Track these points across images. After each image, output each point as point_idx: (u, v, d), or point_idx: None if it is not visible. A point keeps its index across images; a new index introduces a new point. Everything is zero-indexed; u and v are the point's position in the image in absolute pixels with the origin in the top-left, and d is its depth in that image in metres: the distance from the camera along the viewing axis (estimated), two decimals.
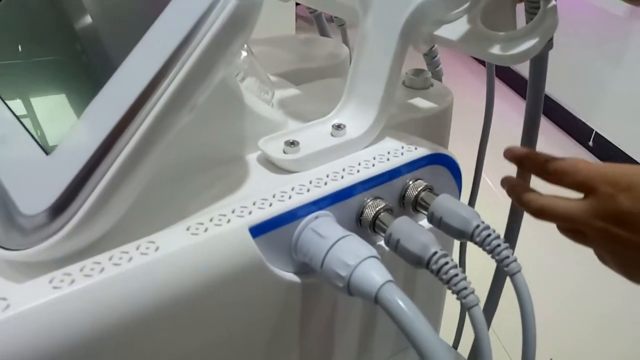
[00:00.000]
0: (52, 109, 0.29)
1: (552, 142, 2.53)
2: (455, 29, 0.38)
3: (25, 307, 0.22)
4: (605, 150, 2.39)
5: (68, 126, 0.26)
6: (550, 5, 0.35)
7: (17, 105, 0.30)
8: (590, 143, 2.48)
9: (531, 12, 0.36)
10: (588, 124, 2.50)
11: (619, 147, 2.32)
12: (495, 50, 0.37)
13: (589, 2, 2.32)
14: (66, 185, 0.24)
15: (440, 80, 0.49)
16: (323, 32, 0.60)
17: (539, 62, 0.44)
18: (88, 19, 0.30)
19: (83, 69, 0.29)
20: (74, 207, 0.24)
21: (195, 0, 0.25)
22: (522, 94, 2.92)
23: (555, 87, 2.66)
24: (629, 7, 2.20)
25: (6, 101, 0.30)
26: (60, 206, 0.24)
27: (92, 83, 0.27)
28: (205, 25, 0.25)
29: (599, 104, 2.47)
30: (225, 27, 0.25)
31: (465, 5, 0.34)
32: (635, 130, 2.24)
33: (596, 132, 2.46)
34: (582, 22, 2.49)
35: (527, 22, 0.36)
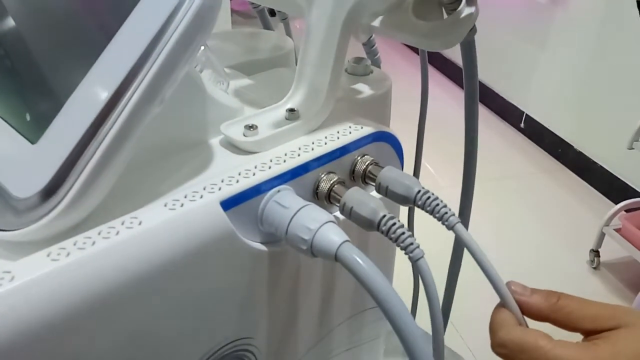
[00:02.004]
0: (31, 101, 0.31)
1: (486, 126, 2.66)
2: (390, 20, 0.43)
3: (30, 277, 0.25)
4: (536, 131, 2.54)
5: (50, 118, 0.29)
6: None
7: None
8: (522, 125, 2.63)
9: (450, 10, 0.41)
10: (519, 107, 2.64)
11: (548, 127, 2.47)
12: (425, 37, 0.42)
13: None
14: (56, 170, 0.27)
15: (379, 67, 0.54)
16: (266, 26, 0.64)
17: (468, 46, 0.49)
18: (64, 16, 0.33)
19: (59, 64, 0.31)
20: (64, 189, 0.27)
21: (160, 5, 0.29)
22: (453, 79, 3.04)
23: (486, 73, 2.80)
24: None
25: None
26: (52, 188, 0.27)
27: (69, 78, 0.30)
28: (172, 24, 0.28)
29: (528, 87, 2.61)
30: (191, 25, 0.28)
31: (397, 0, 0.39)
32: (561, 110, 2.39)
33: (526, 114, 2.60)
34: (508, 10, 2.62)
35: (446, 12, 0.41)
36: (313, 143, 0.38)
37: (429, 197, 0.37)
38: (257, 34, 0.59)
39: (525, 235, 1.92)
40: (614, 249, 1.74)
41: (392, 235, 0.34)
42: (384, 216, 0.35)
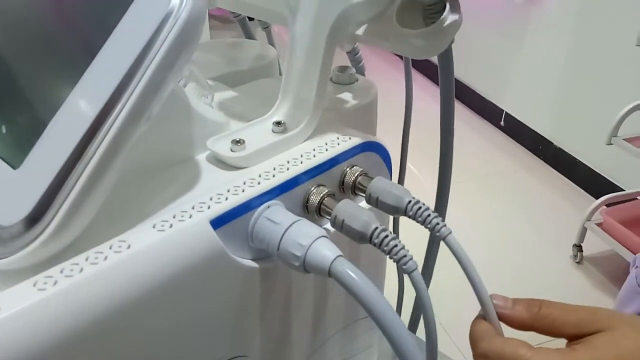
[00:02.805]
0: (11, 124, 0.30)
1: (466, 125, 2.68)
2: (374, 29, 0.42)
3: (17, 309, 0.24)
4: (516, 129, 2.56)
5: (32, 141, 0.28)
6: (454, 6, 0.40)
7: None
8: (502, 123, 2.65)
9: (432, 18, 0.40)
10: (498, 105, 2.67)
11: (527, 125, 2.50)
12: (410, 45, 0.42)
13: None
14: (40, 196, 0.26)
15: (363, 74, 0.54)
16: (248, 35, 0.63)
17: (445, 54, 0.49)
18: (45, 33, 0.32)
19: (39, 83, 0.31)
20: (49, 215, 0.26)
21: (147, 17, 0.28)
22: (433, 79, 3.06)
23: (465, 73, 2.82)
24: None
25: None
26: (36, 215, 0.26)
27: (51, 98, 0.29)
28: (158, 40, 0.28)
29: (507, 85, 2.64)
30: (177, 41, 0.28)
31: (382, 9, 0.38)
32: (540, 108, 2.42)
33: (506, 112, 2.63)
34: (485, 10, 2.64)
35: (427, 25, 0.41)
36: (301, 156, 0.38)
37: (419, 208, 0.36)
38: (239, 43, 0.58)
39: (508, 232, 1.94)
40: (596, 243, 1.76)
41: (385, 248, 0.34)
42: (376, 228, 0.34)
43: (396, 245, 0.34)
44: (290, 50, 0.40)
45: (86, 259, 0.27)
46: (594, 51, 2.06)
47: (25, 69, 0.31)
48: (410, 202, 0.37)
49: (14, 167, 0.28)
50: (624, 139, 1.64)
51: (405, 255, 0.33)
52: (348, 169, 0.40)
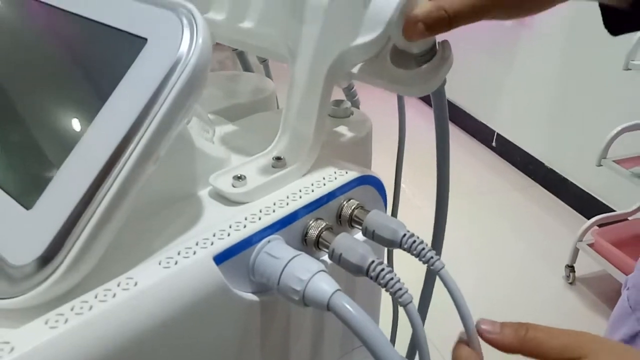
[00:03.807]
0: (24, 166, 0.32)
1: (459, 145, 2.71)
2: (369, 68, 0.44)
3: (29, 348, 0.25)
4: (507, 149, 2.59)
5: (44, 182, 0.29)
6: (446, 48, 0.42)
7: None
8: (493, 143, 2.68)
9: (423, 61, 0.42)
10: (490, 126, 2.70)
11: (518, 145, 2.53)
12: (402, 85, 0.43)
13: None
14: (52, 237, 0.28)
15: (358, 107, 0.56)
16: (246, 67, 0.65)
17: (439, 94, 0.51)
18: (60, 78, 0.33)
19: (52, 127, 0.32)
20: (61, 255, 0.28)
21: (158, 62, 0.30)
22: (426, 100, 3.09)
23: (457, 94, 2.86)
24: None
25: None
26: (49, 256, 0.28)
27: (63, 141, 0.30)
28: (168, 85, 0.29)
29: (498, 107, 2.68)
30: (186, 86, 0.29)
31: (376, 52, 0.40)
32: (530, 129, 2.45)
33: (497, 133, 2.66)
34: (476, 33, 2.69)
35: (419, 66, 0.42)
36: (300, 191, 0.39)
37: (414, 241, 0.38)
38: (237, 76, 0.60)
39: (501, 253, 1.95)
40: (588, 264, 1.78)
41: (381, 281, 0.35)
42: (373, 262, 0.36)
43: (392, 279, 0.35)
44: (289, 88, 0.42)
45: (95, 297, 0.29)
46: (584, 74, 2.10)
47: (38, 111, 0.33)
48: (405, 235, 0.38)
49: (27, 208, 0.29)
50: (613, 161, 1.67)
51: (400, 289, 0.35)
52: (345, 202, 0.41)
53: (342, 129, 0.49)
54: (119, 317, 0.28)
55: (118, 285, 0.29)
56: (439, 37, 0.44)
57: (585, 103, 2.11)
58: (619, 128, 1.64)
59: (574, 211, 2.20)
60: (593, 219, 1.78)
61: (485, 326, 0.36)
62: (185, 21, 0.31)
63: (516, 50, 2.49)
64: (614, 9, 0.41)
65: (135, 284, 0.30)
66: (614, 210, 1.95)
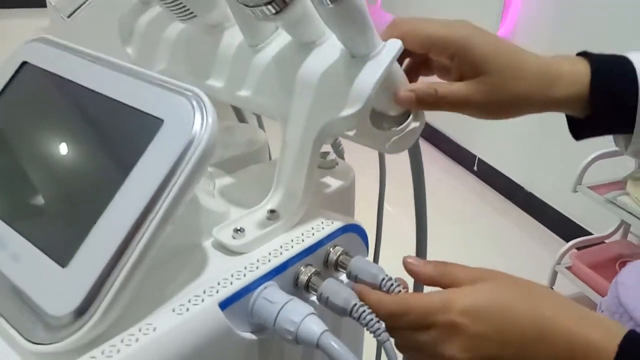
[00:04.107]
0: (58, 230, 0.37)
1: (441, 170, 2.79)
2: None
3: None
4: (488, 173, 2.67)
5: (77, 244, 0.35)
6: (417, 114, 0.49)
7: (25, 226, 0.38)
8: (475, 168, 2.76)
9: (399, 123, 0.49)
10: (471, 151, 2.78)
11: (499, 170, 2.61)
12: (380, 143, 0.50)
13: None
14: (87, 291, 0.33)
15: (342, 157, 0.62)
16: (241, 118, 0.71)
17: (414, 149, 0.57)
18: (87, 151, 0.39)
19: (82, 197, 0.37)
20: (94, 307, 0.33)
21: (174, 140, 0.35)
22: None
23: (440, 120, 2.95)
24: None
25: (13, 224, 0.38)
26: (83, 308, 0.33)
27: (92, 208, 0.36)
28: (184, 160, 0.35)
29: (479, 132, 2.76)
30: (200, 160, 0.35)
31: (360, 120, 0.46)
32: (510, 153, 2.54)
33: (479, 158, 2.74)
34: None
35: (397, 126, 0.49)
36: (292, 241, 0.45)
37: (392, 284, 0.44)
38: (232, 128, 0.66)
39: None
40: (566, 286, 1.84)
41: (363, 321, 0.41)
42: (355, 304, 0.41)
43: (372, 319, 0.41)
44: (281, 148, 0.48)
45: (121, 341, 0.34)
46: None
47: (70, 181, 0.38)
48: (384, 279, 0.44)
49: (63, 266, 0.35)
50: (588, 187, 1.75)
51: (379, 328, 0.40)
52: (331, 249, 0.47)
53: (329, 180, 0.55)
54: (143, 359, 0.33)
55: (139, 331, 0.35)
56: (429, 114, 0.51)
57: (563, 130, 2.19)
58: (592, 156, 1.72)
59: (554, 234, 2.28)
60: (571, 242, 1.85)
61: (411, 259, 0.43)
62: (195, 104, 0.37)
63: None
64: (576, 118, 0.49)
65: (154, 329, 0.35)
66: (592, 234, 2.02)
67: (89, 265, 0.34)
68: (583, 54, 0.47)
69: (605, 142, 1.63)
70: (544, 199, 2.35)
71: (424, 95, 0.45)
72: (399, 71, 0.47)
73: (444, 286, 0.41)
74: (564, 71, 0.45)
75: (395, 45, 0.44)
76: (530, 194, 2.42)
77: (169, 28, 0.56)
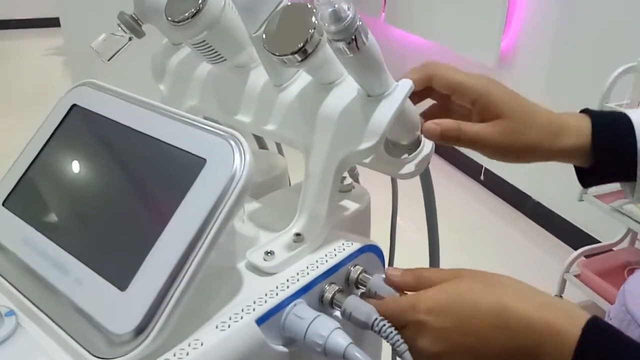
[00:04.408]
0: (116, 257, 0.42)
1: (449, 180, 2.83)
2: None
3: None
4: (495, 183, 2.71)
5: (134, 269, 0.40)
6: (428, 143, 0.54)
7: (84, 254, 0.43)
8: (482, 177, 2.80)
9: (411, 151, 0.54)
10: (477, 161, 2.82)
11: (506, 180, 2.64)
12: (395, 170, 0.55)
13: (461, 57, 2.65)
14: (145, 312, 0.38)
15: (357, 180, 0.67)
16: (261, 145, 0.77)
17: (425, 174, 0.62)
18: (140, 181, 0.44)
19: (137, 227, 0.43)
20: (152, 325, 0.38)
21: (217, 177, 0.41)
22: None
23: None
24: (496, 59, 2.55)
25: (73, 252, 0.43)
26: (142, 326, 0.38)
27: (145, 238, 0.41)
28: (227, 194, 0.40)
29: None
30: (240, 194, 0.40)
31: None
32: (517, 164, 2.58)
33: (485, 167, 2.78)
34: None
35: (409, 154, 0.54)
36: (317, 261, 0.50)
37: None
38: (254, 155, 0.71)
39: None
40: (575, 294, 1.87)
41: (383, 334, 0.46)
42: (376, 319, 0.46)
43: (391, 332, 0.45)
44: (305, 177, 0.53)
45: (174, 355, 0.39)
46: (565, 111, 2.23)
47: (125, 213, 0.44)
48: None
49: (121, 289, 0.40)
50: (594, 196, 1.78)
51: (398, 340, 0.45)
52: (352, 268, 0.52)
53: (346, 203, 0.60)
54: None
55: (189, 346, 0.40)
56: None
57: None
58: None
59: (562, 242, 2.31)
60: (579, 251, 1.88)
61: (392, 271, 0.48)
62: (233, 144, 0.42)
63: None
64: (582, 167, 0.54)
65: (202, 344, 0.40)
66: (600, 242, 2.05)
67: (146, 288, 0.39)
68: (585, 110, 0.53)
69: None
70: (551, 208, 2.38)
71: (449, 129, 0.50)
72: (410, 106, 0.52)
73: (420, 288, 0.46)
74: (569, 124, 0.51)
75: (406, 85, 0.49)
76: (538, 203, 2.46)
77: (199, 68, 0.61)
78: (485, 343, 0.41)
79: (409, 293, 0.47)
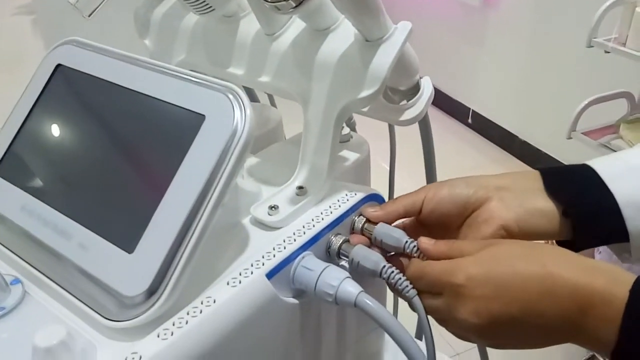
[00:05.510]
0: (121, 220, 0.41)
1: (437, 124, 2.82)
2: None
3: (152, 353, 0.36)
4: (483, 125, 2.72)
5: (139, 231, 0.39)
6: (427, 85, 0.52)
7: (86, 218, 0.42)
8: (469, 120, 2.81)
9: (409, 96, 0.53)
10: (465, 104, 2.82)
11: (493, 121, 2.65)
12: (394, 117, 0.54)
13: None
14: (155, 273, 0.38)
15: (354, 129, 0.66)
16: (252, 98, 0.75)
17: (424, 120, 0.61)
18: (139, 141, 0.43)
19: (140, 188, 0.42)
20: (162, 286, 0.38)
21: (218, 134, 0.39)
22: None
23: (433, 75, 2.96)
24: None
25: (75, 217, 0.42)
26: (153, 288, 0.38)
27: (149, 198, 0.40)
28: (229, 152, 0.39)
29: (472, 85, 2.79)
30: (242, 151, 0.39)
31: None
32: (504, 104, 2.58)
33: (473, 110, 2.78)
34: (446, 15, 2.78)
35: (407, 100, 0.53)
36: (322, 213, 0.49)
37: (414, 246, 0.48)
38: None
39: None
40: None
41: (392, 281, 0.46)
42: (384, 266, 0.46)
43: (400, 278, 0.46)
44: (304, 129, 0.52)
45: (188, 313, 0.39)
46: (551, 51, 2.22)
47: (124, 179, 0.42)
48: (407, 242, 0.49)
49: (129, 252, 0.39)
50: (582, 133, 1.79)
51: (407, 286, 0.45)
52: (356, 218, 0.52)
53: (345, 153, 0.59)
54: (207, 327, 0.38)
55: (202, 303, 0.40)
56: (422, 69, 0.54)
57: (554, 78, 2.23)
58: (585, 102, 1.75)
59: None
60: None
61: (425, 240, 0.47)
62: (233, 99, 0.41)
63: (485, 30, 2.59)
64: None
65: (214, 301, 0.40)
66: None
67: (154, 249, 0.38)
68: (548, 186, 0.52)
69: (600, 87, 1.66)
70: (539, 147, 2.40)
71: (437, 253, 0.46)
72: (410, 50, 0.51)
73: (452, 256, 0.45)
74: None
75: (406, 27, 0.47)
76: (525, 142, 2.47)
77: (185, 19, 0.59)
78: (529, 311, 0.39)
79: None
